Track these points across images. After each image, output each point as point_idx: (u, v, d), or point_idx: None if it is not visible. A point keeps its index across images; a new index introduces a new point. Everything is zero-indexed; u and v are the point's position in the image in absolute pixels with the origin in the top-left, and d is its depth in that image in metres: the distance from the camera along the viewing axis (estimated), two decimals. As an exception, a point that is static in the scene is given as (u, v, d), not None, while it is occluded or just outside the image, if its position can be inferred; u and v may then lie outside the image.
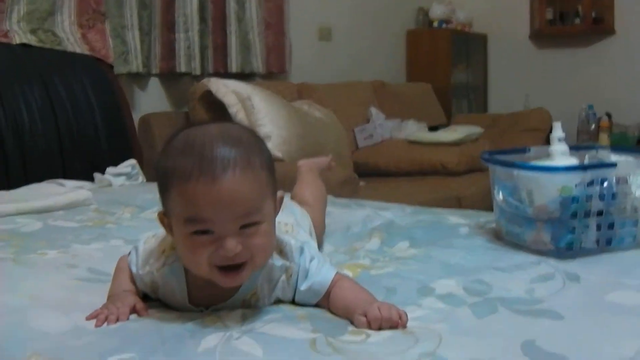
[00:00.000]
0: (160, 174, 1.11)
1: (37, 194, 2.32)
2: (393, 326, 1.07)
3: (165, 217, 1.15)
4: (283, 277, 1.20)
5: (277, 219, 1.45)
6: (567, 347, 0.99)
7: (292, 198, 1.79)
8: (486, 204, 1.96)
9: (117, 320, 1.14)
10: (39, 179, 2.61)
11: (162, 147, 1.14)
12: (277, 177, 1.16)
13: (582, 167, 1.51)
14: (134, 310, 1.17)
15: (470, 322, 1.13)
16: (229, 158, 1.05)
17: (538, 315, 1.15)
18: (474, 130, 4.29)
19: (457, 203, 3.52)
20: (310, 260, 1.21)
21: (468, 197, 3.66)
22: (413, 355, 0.97)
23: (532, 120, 4.79)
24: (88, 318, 1.16)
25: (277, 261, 1.19)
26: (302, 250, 1.21)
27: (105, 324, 1.14)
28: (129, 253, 1.28)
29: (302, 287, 1.20)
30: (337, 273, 1.22)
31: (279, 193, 1.18)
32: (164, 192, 1.11)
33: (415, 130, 4.47)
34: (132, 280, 1.26)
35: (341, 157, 3.83)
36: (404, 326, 1.07)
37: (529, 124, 4.75)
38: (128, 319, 1.15)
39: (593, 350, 0.99)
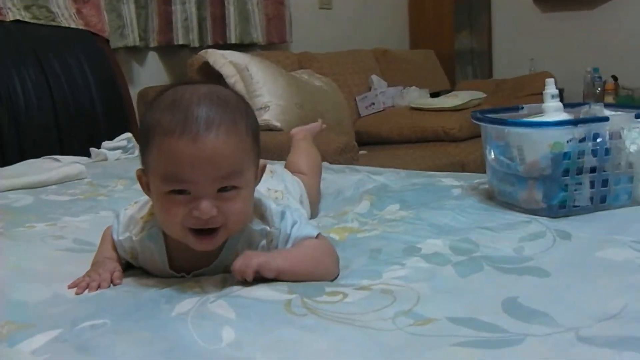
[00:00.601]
0: (143, 128, 1.08)
1: (31, 169, 2.31)
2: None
3: (143, 175, 1.12)
4: (263, 242, 1.17)
5: (267, 185, 1.45)
6: (549, 304, 0.97)
7: (287, 167, 1.77)
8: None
9: (99, 287, 1.13)
10: (36, 155, 2.60)
11: (149, 102, 1.11)
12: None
13: (573, 122, 1.47)
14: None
15: (453, 281, 1.11)
16: (214, 118, 1.03)
17: (523, 272, 1.13)
18: (477, 95, 4.23)
19: (461, 169, 3.48)
20: (293, 225, 1.18)
21: (471, 162, 3.62)
22: (389, 313, 0.95)
23: (536, 84, 4.70)
24: (70, 286, 1.15)
25: (256, 225, 1.17)
26: (283, 214, 1.18)
27: (87, 291, 1.12)
28: (113, 223, 1.27)
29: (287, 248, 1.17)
30: (319, 234, 1.20)
31: (261, 162, 1.16)
32: (144, 148, 1.08)
33: (417, 96, 4.42)
34: (115, 248, 1.24)
35: (341, 125, 3.80)
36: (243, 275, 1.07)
37: (533, 88, 4.67)
38: (109, 285, 1.14)
39: (577, 307, 0.96)
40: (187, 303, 1.02)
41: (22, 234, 1.55)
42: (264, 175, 1.46)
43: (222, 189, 1.05)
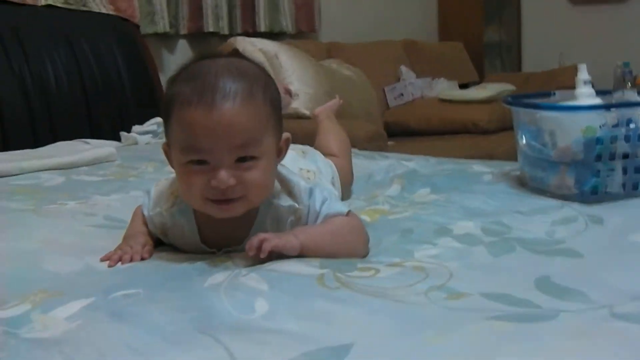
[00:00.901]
0: (165, 101, 1.09)
1: (62, 151, 2.33)
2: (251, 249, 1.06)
3: (168, 148, 1.13)
4: (292, 218, 1.17)
5: (299, 165, 1.45)
6: (583, 283, 0.96)
7: (317, 149, 1.76)
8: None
9: (132, 259, 1.14)
10: (66, 138, 2.61)
11: (172, 75, 1.12)
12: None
13: (606, 107, 1.46)
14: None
15: (485, 259, 1.10)
16: (230, 87, 1.03)
17: (556, 254, 1.12)
18: (506, 87, 4.20)
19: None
20: (323, 202, 1.17)
21: (500, 154, 3.58)
22: (422, 288, 0.95)
23: (566, 77, 4.64)
24: (102, 259, 1.16)
25: (284, 202, 1.17)
26: (311, 191, 1.18)
27: (119, 263, 1.13)
28: (143, 199, 1.28)
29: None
30: (349, 211, 1.20)
31: (285, 135, 1.15)
32: (166, 120, 1.10)
33: (445, 87, 4.40)
34: (145, 223, 1.25)
35: (370, 115, 3.80)
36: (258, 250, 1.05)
37: (563, 81, 4.63)
38: (141, 258, 1.15)
39: (610, 286, 0.95)
40: (220, 276, 1.02)
41: (54, 210, 1.56)
42: (296, 154, 1.48)
43: (241, 160, 1.05)
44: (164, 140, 2.51)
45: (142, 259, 1.15)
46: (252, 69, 1.11)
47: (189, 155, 1.05)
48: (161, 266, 1.12)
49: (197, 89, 1.03)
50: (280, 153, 1.15)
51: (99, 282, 1.04)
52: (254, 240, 1.06)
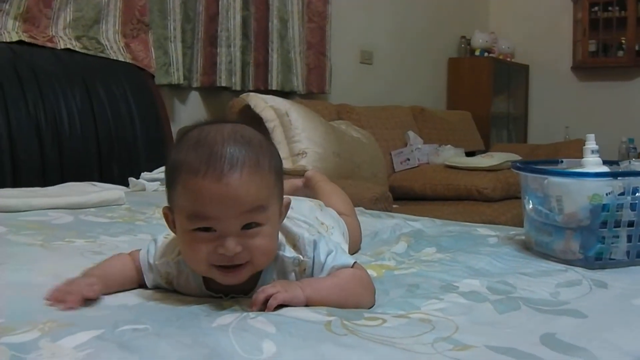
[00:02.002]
0: (170, 167, 1.11)
1: (71, 191, 2.35)
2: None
3: (169, 213, 1.14)
4: (296, 269, 1.18)
5: (317, 215, 1.47)
6: (588, 341, 0.97)
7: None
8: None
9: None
10: (75, 180, 2.64)
11: (175, 141, 1.14)
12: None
13: (613, 175, 1.48)
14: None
15: (491, 315, 1.11)
16: (238, 157, 1.05)
17: (561, 313, 1.13)
18: (512, 157, 4.24)
19: (492, 229, 3.48)
20: (328, 254, 1.19)
21: (503, 223, 3.61)
22: (428, 339, 0.96)
23: (571, 151, 4.72)
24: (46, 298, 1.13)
25: (289, 253, 1.18)
26: (315, 243, 1.19)
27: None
28: (147, 246, 1.26)
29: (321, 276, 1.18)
30: (355, 263, 1.21)
31: (286, 199, 1.18)
32: (170, 186, 1.11)
33: (452, 155, 4.45)
34: (132, 270, 1.24)
35: (377, 178, 3.83)
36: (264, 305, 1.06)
37: (568, 154, 4.67)
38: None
39: (616, 346, 0.96)
40: (228, 317, 1.03)
41: (62, 247, 1.58)
42: (314, 206, 1.51)
43: (246, 227, 1.07)
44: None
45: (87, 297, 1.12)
46: (256, 137, 1.12)
47: (196, 222, 1.06)
48: (169, 306, 1.12)
49: (205, 158, 1.04)
50: (281, 215, 1.17)
51: (107, 316, 1.05)
52: (260, 296, 1.07)
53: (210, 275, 1.10)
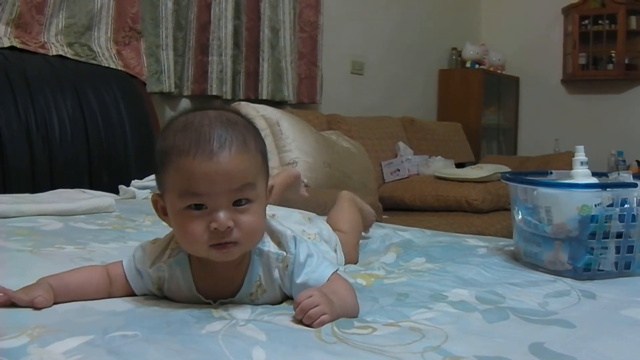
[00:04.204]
0: (158, 153, 1.13)
1: (61, 198, 2.34)
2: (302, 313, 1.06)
3: (159, 199, 1.16)
4: (280, 266, 1.21)
5: (303, 227, 1.49)
6: (576, 351, 0.98)
7: (327, 222, 1.78)
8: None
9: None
10: (65, 187, 2.62)
11: (161, 129, 1.16)
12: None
13: (602, 186, 1.49)
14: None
15: (480, 325, 1.12)
16: (226, 137, 1.08)
17: (549, 323, 1.13)
18: (501, 169, 4.26)
19: (481, 240, 3.49)
20: (308, 256, 1.21)
21: (492, 234, 3.62)
22: (418, 348, 0.96)
23: (561, 163, 4.74)
24: None
25: (273, 249, 1.21)
26: (295, 239, 1.22)
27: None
28: (132, 254, 1.25)
29: (298, 280, 1.20)
30: (335, 272, 1.22)
31: (270, 182, 1.20)
32: (161, 170, 1.13)
33: (442, 166, 4.46)
34: (100, 280, 1.23)
35: (367, 188, 3.83)
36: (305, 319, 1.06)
37: (558, 167, 4.70)
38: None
39: (604, 356, 0.97)
40: (217, 324, 1.04)
41: (51, 253, 1.57)
42: (302, 218, 1.56)
43: (237, 203, 1.10)
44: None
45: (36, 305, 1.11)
46: (240, 120, 1.15)
47: (188, 199, 1.08)
48: (159, 312, 1.12)
49: (194, 140, 1.07)
50: (266, 200, 1.19)
51: (97, 322, 1.04)
52: (306, 308, 1.06)
53: (209, 256, 1.12)
